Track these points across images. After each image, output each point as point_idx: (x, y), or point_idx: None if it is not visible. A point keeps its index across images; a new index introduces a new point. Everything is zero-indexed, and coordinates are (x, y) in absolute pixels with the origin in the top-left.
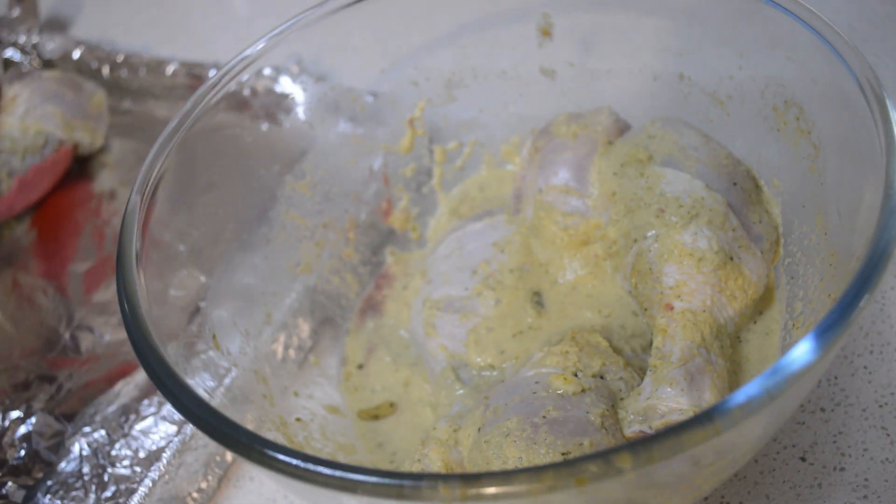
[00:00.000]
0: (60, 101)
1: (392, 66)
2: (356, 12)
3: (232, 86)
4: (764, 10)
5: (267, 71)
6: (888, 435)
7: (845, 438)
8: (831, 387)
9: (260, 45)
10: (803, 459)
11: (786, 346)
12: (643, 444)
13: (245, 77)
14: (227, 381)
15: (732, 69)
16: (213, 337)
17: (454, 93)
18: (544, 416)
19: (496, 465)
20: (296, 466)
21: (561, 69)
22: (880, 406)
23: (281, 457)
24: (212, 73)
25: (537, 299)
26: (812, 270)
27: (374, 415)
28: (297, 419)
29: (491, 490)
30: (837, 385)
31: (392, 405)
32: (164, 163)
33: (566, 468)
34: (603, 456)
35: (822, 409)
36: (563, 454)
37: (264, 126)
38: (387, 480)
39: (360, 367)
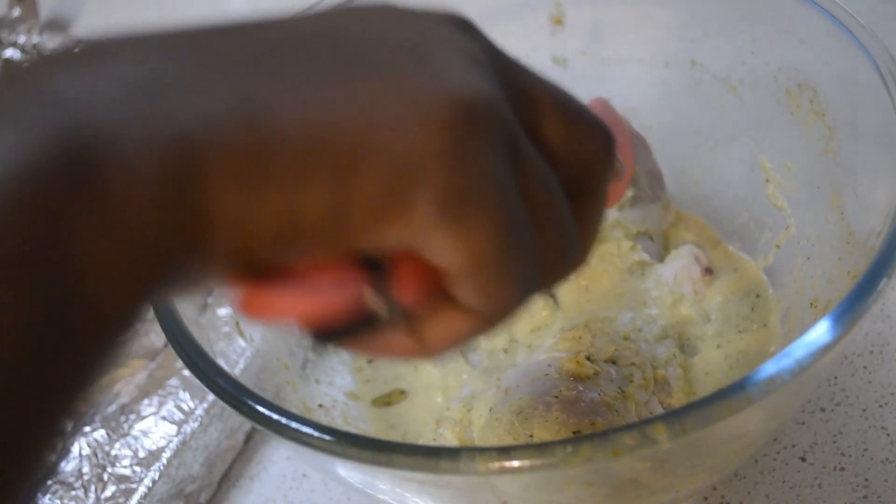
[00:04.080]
0: None
1: None
2: None
3: None
4: None
5: None
6: (888, 435)
7: (845, 438)
8: (831, 387)
9: None
10: (803, 459)
11: (803, 326)
12: (677, 415)
13: None
14: (239, 368)
15: (744, 54)
16: (238, 324)
17: None
18: (556, 396)
19: (507, 443)
20: (331, 442)
21: (573, 58)
22: (880, 406)
23: (318, 434)
24: None
25: (548, 292)
26: (829, 250)
27: (386, 402)
28: (320, 405)
29: (528, 462)
30: (837, 385)
31: (402, 392)
32: None
33: (603, 440)
34: (638, 427)
35: (822, 409)
36: (574, 432)
37: None
38: (424, 454)
39: (370, 360)
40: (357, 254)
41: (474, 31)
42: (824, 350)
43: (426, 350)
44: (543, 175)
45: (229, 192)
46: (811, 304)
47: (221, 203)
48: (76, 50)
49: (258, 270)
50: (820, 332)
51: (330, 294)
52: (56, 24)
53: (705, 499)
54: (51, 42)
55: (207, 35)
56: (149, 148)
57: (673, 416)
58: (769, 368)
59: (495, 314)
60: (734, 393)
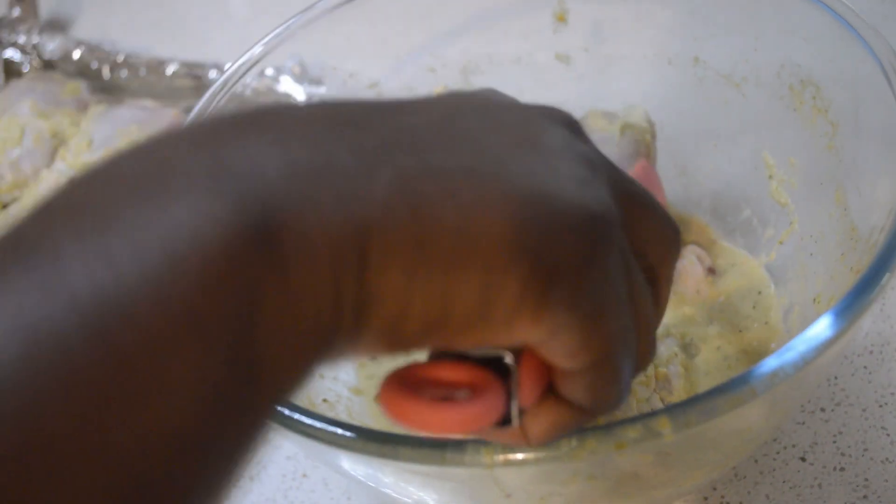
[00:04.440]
0: (31, 92)
1: (409, 53)
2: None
3: (238, 87)
4: None
5: (269, 72)
6: (888, 435)
7: (845, 438)
8: (831, 387)
9: (272, 41)
10: (803, 459)
11: (806, 322)
12: (680, 408)
13: (249, 79)
14: None
15: (747, 51)
16: None
17: (470, 79)
18: None
19: None
20: (336, 435)
21: (576, 55)
22: (880, 406)
23: (322, 426)
24: (212, 73)
25: None
26: (832, 246)
27: None
28: (325, 400)
29: (532, 455)
30: (837, 385)
31: None
32: None
33: (607, 433)
34: (642, 420)
35: (822, 409)
36: None
37: None
38: (430, 446)
39: (373, 357)
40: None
41: (580, 130)
42: (828, 344)
43: (529, 441)
44: (642, 282)
45: (392, 274)
46: (814, 300)
47: (384, 283)
48: (236, 117)
49: (399, 350)
50: (823, 325)
51: (474, 413)
52: (56, 24)
53: (705, 499)
54: (51, 42)
55: (353, 112)
56: (324, 227)
57: (677, 409)
58: (773, 362)
59: (600, 410)
60: (738, 386)
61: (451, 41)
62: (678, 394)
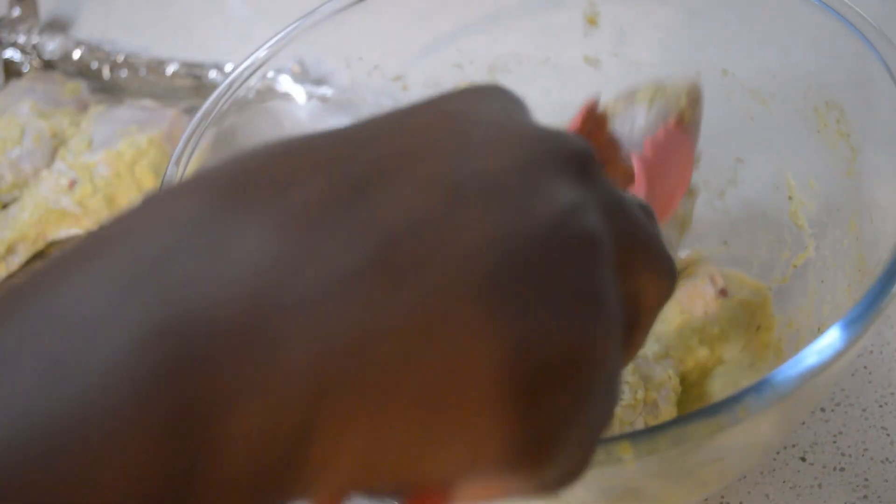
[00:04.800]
0: (31, 92)
1: (434, 47)
2: None
3: (241, 90)
4: (809, 7)
5: (269, 73)
6: (888, 435)
7: (845, 438)
8: (831, 387)
9: (285, 39)
10: (803, 459)
11: None
12: (646, 434)
13: (253, 81)
14: None
15: (776, 67)
16: None
17: (497, 77)
18: None
19: None
20: None
21: (605, 59)
22: (880, 406)
23: None
24: (212, 73)
25: None
26: (841, 275)
27: None
28: None
29: None
30: (837, 385)
31: None
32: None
33: None
34: (604, 444)
35: (822, 409)
36: None
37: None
38: None
39: None
40: None
41: (592, 167)
42: (809, 375)
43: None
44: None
45: (344, 457)
46: (819, 329)
47: (335, 467)
48: (168, 244)
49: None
50: (804, 357)
51: None
52: (56, 24)
53: (705, 499)
54: (51, 42)
55: (310, 201)
56: (260, 412)
57: (640, 436)
58: (743, 395)
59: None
60: (708, 416)
61: (479, 38)
62: (664, 418)
